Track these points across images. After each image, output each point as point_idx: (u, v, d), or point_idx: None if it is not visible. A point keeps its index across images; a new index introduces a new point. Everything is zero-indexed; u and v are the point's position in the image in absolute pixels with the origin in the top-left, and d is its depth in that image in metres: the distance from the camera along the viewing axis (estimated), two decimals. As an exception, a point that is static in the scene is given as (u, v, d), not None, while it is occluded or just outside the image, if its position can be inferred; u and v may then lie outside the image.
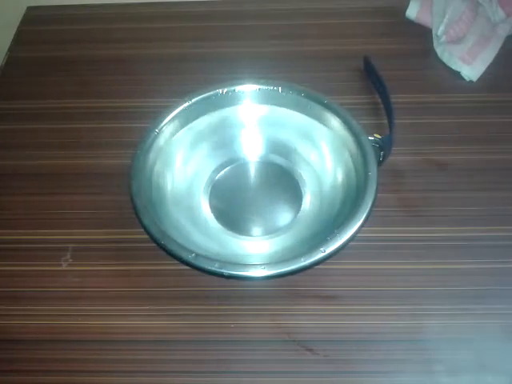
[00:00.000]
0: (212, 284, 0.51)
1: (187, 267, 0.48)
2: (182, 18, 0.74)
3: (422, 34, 0.70)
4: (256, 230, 0.55)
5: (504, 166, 0.58)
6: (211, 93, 0.56)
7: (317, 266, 0.47)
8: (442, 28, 0.67)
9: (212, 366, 0.48)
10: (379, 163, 0.52)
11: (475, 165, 0.58)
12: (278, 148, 0.58)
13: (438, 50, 0.67)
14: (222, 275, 0.46)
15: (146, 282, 0.52)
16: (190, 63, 0.69)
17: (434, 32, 0.68)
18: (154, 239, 0.48)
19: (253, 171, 0.59)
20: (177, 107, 0.55)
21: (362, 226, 0.47)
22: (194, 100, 0.56)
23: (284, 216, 0.55)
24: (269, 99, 0.57)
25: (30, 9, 0.76)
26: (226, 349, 0.48)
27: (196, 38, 0.72)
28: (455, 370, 0.47)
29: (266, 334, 0.49)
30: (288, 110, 0.57)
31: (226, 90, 0.56)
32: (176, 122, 0.55)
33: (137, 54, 0.70)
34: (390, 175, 0.57)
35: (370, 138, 0.52)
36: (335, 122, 0.54)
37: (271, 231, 0.54)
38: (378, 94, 0.63)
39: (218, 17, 0.74)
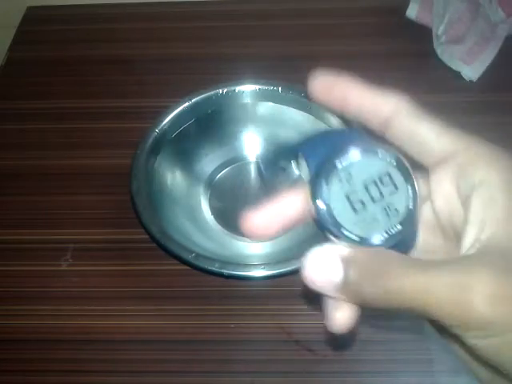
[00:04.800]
0: (212, 284, 0.51)
1: (187, 267, 0.48)
2: (182, 18, 0.74)
3: (422, 33, 0.69)
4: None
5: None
6: (211, 93, 0.56)
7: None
8: (442, 28, 0.67)
9: (212, 366, 0.47)
10: None
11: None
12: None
13: (438, 50, 0.67)
14: (222, 275, 0.46)
15: (146, 282, 0.52)
16: (190, 63, 0.69)
17: (434, 32, 0.68)
18: (153, 239, 0.48)
19: (253, 171, 0.59)
20: (177, 107, 0.55)
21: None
22: (194, 100, 0.56)
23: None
24: (269, 99, 0.57)
25: (29, 9, 0.76)
26: (226, 349, 0.48)
27: (196, 38, 0.71)
28: (455, 370, 0.47)
29: (266, 333, 0.49)
30: (288, 110, 0.57)
31: (225, 89, 0.56)
32: (176, 122, 0.55)
33: (137, 53, 0.70)
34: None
35: None
36: (335, 121, 0.54)
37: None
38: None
39: (219, 17, 0.74)
